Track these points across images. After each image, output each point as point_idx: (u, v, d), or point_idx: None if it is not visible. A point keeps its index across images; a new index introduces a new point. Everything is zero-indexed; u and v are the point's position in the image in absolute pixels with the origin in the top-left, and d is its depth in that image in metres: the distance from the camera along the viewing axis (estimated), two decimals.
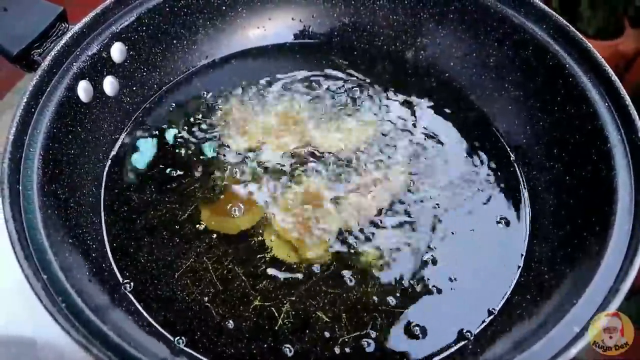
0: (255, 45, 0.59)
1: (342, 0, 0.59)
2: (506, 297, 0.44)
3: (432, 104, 0.56)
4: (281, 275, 0.45)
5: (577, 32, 0.48)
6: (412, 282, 0.45)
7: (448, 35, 0.57)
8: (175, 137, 0.53)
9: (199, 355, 0.41)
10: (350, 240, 0.47)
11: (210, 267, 0.45)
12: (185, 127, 0.53)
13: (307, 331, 0.43)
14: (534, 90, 0.52)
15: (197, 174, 0.50)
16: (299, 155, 0.52)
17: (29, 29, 0.47)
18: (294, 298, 0.44)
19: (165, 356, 0.39)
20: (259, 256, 0.46)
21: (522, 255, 0.46)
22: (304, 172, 0.51)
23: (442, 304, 0.44)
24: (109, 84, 0.51)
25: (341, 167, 0.51)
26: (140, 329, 0.40)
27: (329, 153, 0.52)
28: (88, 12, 0.49)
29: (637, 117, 0.43)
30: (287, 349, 0.42)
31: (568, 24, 0.49)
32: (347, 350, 0.42)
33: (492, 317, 0.43)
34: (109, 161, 0.51)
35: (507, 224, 0.48)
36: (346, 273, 0.45)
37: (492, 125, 0.54)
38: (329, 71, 0.58)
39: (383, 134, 0.54)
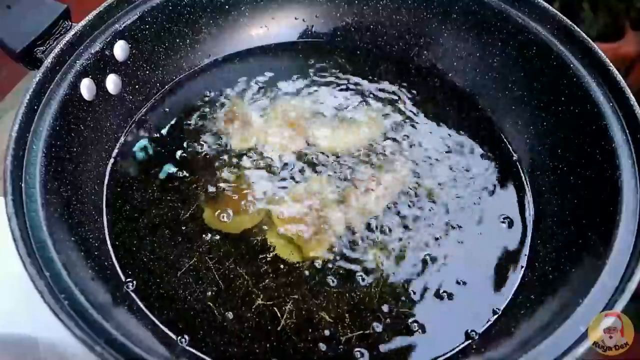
0: (258, 45, 0.59)
1: (345, 0, 0.59)
2: (510, 297, 0.44)
3: (435, 104, 0.56)
4: (284, 275, 0.45)
5: (582, 32, 0.48)
6: (415, 282, 0.45)
7: (451, 36, 0.57)
8: (178, 136, 0.53)
9: (201, 355, 0.41)
10: (353, 239, 0.47)
11: (213, 266, 0.45)
12: (188, 126, 0.53)
13: (310, 330, 0.42)
14: (538, 91, 0.52)
15: (200, 173, 0.50)
16: (301, 155, 0.52)
17: (32, 26, 0.47)
18: (297, 297, 0.44)
19: (167, 355, 0.39)
20: (261, 256, 0.46)
21: (526, 255, 0.46)
22: (306, 172, 0.51)
23: (446, 304, 0.44)
24: (112, 82, 0.50)
25: (344, 167, 0.51)
26: (143, 328, 0.40)
27: (332, 152, 0.52)
28: (91, 10, 0.49)
29: None
30: (290, 348, 0.41)
31: (572, 24, 0.49)
32: (351, 349, 0.42)
33: (496, 316, 0.43)
34: (112, 160, 0.50)
35: (511, 224, 0.48)
36: (349, 273, 0.45)
37: (495, 125, 0.54)
38: (332, 71, 0.58)
39: (386, 134, 0.54)
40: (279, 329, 0.42)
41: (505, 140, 0.53)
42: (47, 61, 0.45)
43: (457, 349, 0.41)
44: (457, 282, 0.45)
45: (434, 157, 0.52)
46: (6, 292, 0.51)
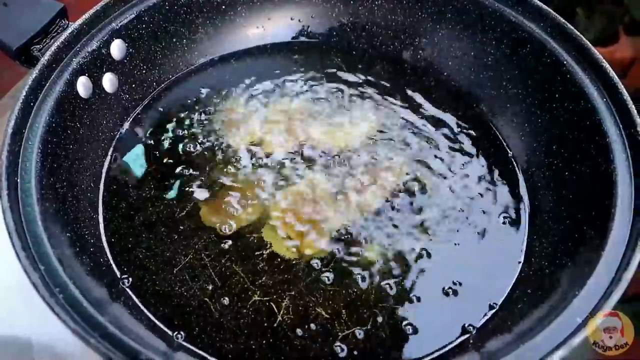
0: (255, 45, 0.60)
1: (340, 0, 0.59)
2: (507, 292, 0.44)
3: (430, 103, 0.56)
4: (280, 272, 0.45)
5: (575, 30, 0.49)
6: (412, 278, 0.45)
7: (446, 35, 0.57)
8: (174, 134, 0.53)
9: (198, 350, 0.40)
10: (350, 236, 0.47)
11: (209, 264, 0.45)
12: (184, 125, 0.53)
13: (307, 326, 0.42)
14: (532, 88, 0.52)
15: (196, 171, 0.50)
16: (298, 152, 0.52)
17: (29, 24, 0.48)
18: (293, 294, 0.44)
19: (164, 350, 0.38)
20: (257, 253, 0.46)
21: (522, 250, 0.46)
22: (302, 170, 0.51)
23: (443, 299, 0.44)
24: (109, 81, 0.51)
25: (340, 164, 0.51)
26: (138, 323, 0.40)
27: (328, 151, 0.52)
28: (88, 10, 0.49)
29: (635, 111, 0.43)
30: (287, 345, 0.41)
31: (565, 22, 0.49)
32: (348, 346, 0.41)
33: (493, 311, 0.43)
34: (108, 158, 0.50)
35: (507, 219, 0.48)
36: (346, 269, 0.45)
37: (491, 123, 0.54)
38: (327, 71, 0.58)
39: (382, 132, 0.54)
40: (275, 325, 0.42)
41: (500, 137, 0.54)
42: (44, 58, 0.45)
43: (454, 343, 0.41)
44: (454, 278, 0.45)
45: (429, 155, 0.52)
46: (1, 293, 0.51)
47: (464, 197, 0.50)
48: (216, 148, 0.52)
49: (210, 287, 0.44)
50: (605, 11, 1.13)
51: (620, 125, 0.44)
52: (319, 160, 0.51)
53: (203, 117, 0.54)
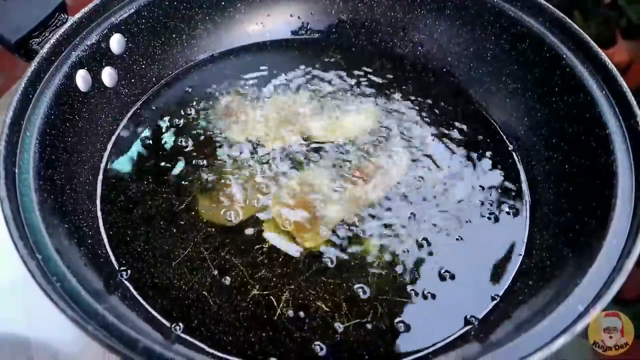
0: (254, 41, 0.60)
1: None
2: (509, 284, 0.43)
3: (430, 99, 0.56)
4: (280, 265, 0.44)
5: (573, 24, 0.49)
6: (413, 270, 0.44)
7: (445, 31, 0.57)
8: (174, 130, 0.53)
9: (196, 342, 0.40)
10: (350, 230, 0.47)
11: (208, 257, 0.45)
12: (184, 120, 0.53)
13: (307, 320, 0.42)
14: (531, 82, 0.52)
15: (195, 166, 0.50)
16: (297, 147, 0.52)
17: (28, 18, 0.48)
18: (293, 287, 0.43)
19: (162, 340, 0.38)
20: (257, 246, 0.45)
21: (523, 242, 0.46)
22: (302, 163, 0.51)
23: (445, 291, 0.43)
24: (108, 75, 0.51)
25: (340, 159, 0.51)
26: (136, 315, 0.39)
27: (328, 145, 0.52)
28: (87, 4, 0.49)
29: (635, 103, 0.43)
30: (287, 338, 0.41)
31: (564, 16, 0.49)
32: (348, 339, 0.41)
33: (495, 302, 0.42)
34: (107, 152, 0.50)
35: (507, 213, 0.48)
36: (346, 263, 0.45)
37: (490, 118, 0.54)
38: (327, 67, 0.58)
39: (381, 128, 0.54)
40: (274, 318, 0.42)
41: (500, 131, 0.54)
42: (43, 51, 0.45)
43: (456, 335, 0.41)
44: (455, 271, 0.44)
45: (430, 150, 0.52)
46: None
47: (464, 192, 0.49)
48: (215, 143, 0.52)
49: (209, 280, 0.43)
50: (602, 15, 1.14)
51: (620, 117, 0.44)
52: (319, 154, 0.51)
53: (202, 112, 0.54)
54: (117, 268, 0.43)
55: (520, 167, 0.51)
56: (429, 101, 0.56)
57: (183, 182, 0.49)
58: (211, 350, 0.40)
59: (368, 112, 0.55)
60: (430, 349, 0.40)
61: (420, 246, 0.46)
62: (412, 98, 0.56)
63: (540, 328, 0.34)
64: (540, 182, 0.49)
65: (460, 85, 0.57)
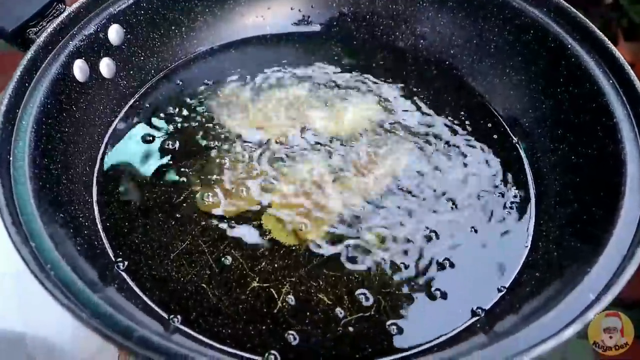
0: (254, 34, 0.59)
1: None
2: (515, 275, 0.42)
3: (432, 91, 0.55)
4: (280, 258, 0.43)
5: (578, 13, 0.48)
6: (417, 263, 0.43)
7: (447, 23, 0.56)
8: (172, 122, 0.52)
9: (194, 334, 0.39)
10: (352, 222, 0.46)
11: (207, 249, 0.44)
12: (183, 113, 0.52)
13: (308, 313, 0.41)
14: (536, 74, 0.51)
15: (194, 158, 0.49)
16: (297, 139, 0.51)
17: (25, 7, 0.47)
18: (294, 280, 0.42)
19: (159, 331, 0.37)
20: (257, 239, 0.44)
21: (529, 234, 0.45)
22: (302, 155, 0.50)
23: (450, 283, 0.42)
24: (106, 66, 0.50)
25: (341, 150, 0.50)
26: (134, 306, 0.38)
27: (329, 137, 0.51)
28: None
29: None
30: (287, 331, 0.40)
31: (569, 6, 0.49)
32: (351, 332, 0.40)
33: (502, 294, 0.41)
34: (104, 143, 0.49)
35: (513, 205, 0.47)
36: (348, 255, 0.44)
37: (494, 110, 0.54)
38: (328, 60, 0.58)
39: (383, 120, 0.53)
40: (275, 311, 0.41)
41: (504, 124, 0.53)
42: (40, 40, 0.44)
43: (463, 326, 0.40)
44: (460, 263, 0.43)
45: (432, 143, 0.51)
46: None
47: (468, 184, 0.49)
48: (215, 135, 0.51)
49: (208, 273, 0.42)
50: (603, 15, 1.14)
51: (628, 106, 0.43)
52: (319, 146, 0.50)
53: (201, 105, 0.53)
54: (114, 259, 0.42)
55: (525, 159, 0.50)
56: (432, 94, 0.55)
57: (181, 175, 0.48)
58: (210, 342, 0.39)
59: (369, 106, 0.54)
60: (435, 342, 0.39)
61: (423, 238, 0.45)
62: (415, 91, 0.55)
63: (548, 318, 0.33)
64: (545, 174, 0.48)
65: (463, 78, 0.56)
